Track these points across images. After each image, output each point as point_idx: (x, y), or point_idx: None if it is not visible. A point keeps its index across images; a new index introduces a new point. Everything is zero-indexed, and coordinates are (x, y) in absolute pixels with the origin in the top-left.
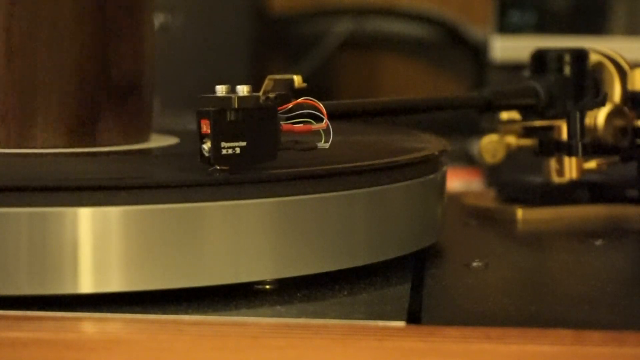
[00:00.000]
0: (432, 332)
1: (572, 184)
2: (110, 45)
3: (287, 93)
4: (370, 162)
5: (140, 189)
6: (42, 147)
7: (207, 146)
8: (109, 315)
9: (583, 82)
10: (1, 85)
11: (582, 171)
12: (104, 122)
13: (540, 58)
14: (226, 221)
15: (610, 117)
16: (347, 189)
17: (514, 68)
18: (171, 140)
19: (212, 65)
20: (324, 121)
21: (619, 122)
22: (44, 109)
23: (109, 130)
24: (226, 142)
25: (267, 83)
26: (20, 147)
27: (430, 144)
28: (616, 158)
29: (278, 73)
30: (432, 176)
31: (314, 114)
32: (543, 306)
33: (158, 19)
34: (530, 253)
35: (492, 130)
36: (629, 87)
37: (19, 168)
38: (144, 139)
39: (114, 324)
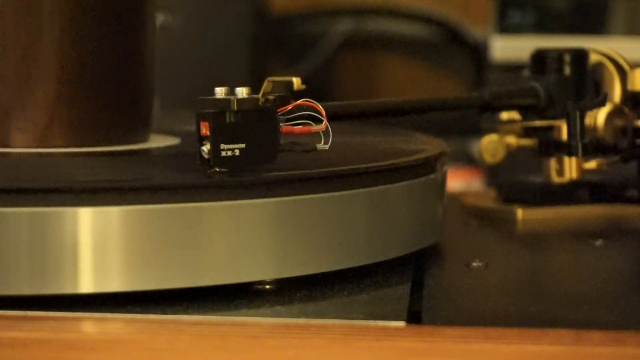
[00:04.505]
0: (432, 332)
1: (572, 184)
2: (110, 45)
3: (287, 95)
4: (370, 164)
5: (140, 189)
6: (42, 147)
7: (206, 148)
8: (109, 315)
9: (583, 82)
10: (1, 86)
11: (582, 171)
12: (103, 122)
13: (540, 58)
14: (226, 221)
15: (610, 117)
16: (347, 189)
17: (514, 68)
18: (171, 141)
19: (212, 65)
20: (324, 123)
21: (619, 122)
22: (44, 109)
23: (109, 130)
24: (225, 144)
25: (266, 85)
26: (20, 147)
27: (430, 144)
28: (616, 158)
29: (278, 73)
30: (432, 176)
31: (313, 115)
32: (543, 306)
33: (158, 19)
34: (530, 253)
35: (492, 130)
36: (629, 87)
37: (19, 168)
38: (144, 139)
39: (114, 324)
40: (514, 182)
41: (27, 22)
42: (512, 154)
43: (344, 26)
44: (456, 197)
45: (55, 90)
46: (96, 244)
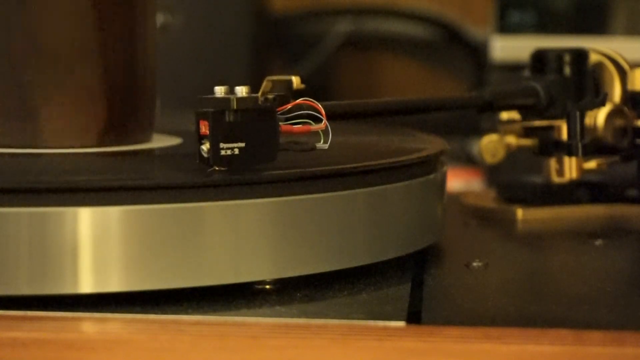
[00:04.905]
0: (432, 332)
1: (572, 184)
2: (111, 45)
3: (286, 94)
4: (370, 163)
5: (140, 189)
6: (43, 148)
7: (205, 147)
8: (109, 315)
9: (583, 82)
10: (3, 86)
11: (582, 171)
12: (105, 122)
13: (540, 58)
14: (226, 221)
15: (610, 117)
16: (347, 189)
17: (514, 68)
18: (173, 141)
19: (212, 65)
20: (323, 122)
21: (619, 122)
22: (45, 109)
23: (112, 131)
24: (225, 143)
25: (265, 84)
26: (20, 147)
27: (430, 144)
28: (616, 158)
29: (278, 73)
30: (432, 176)
31: (313, 114)
32: (543, 306)
33: (158, 19)
34: (530, 253)
35: (492, 130)
36: (629, 87)
37: (19, 168)
38: (147, 139)
39: (114, 324)
40: (514, 182)
41: (27, 27)
42: (512, 154)
43: (344, 26)
44: (456, 197)
45: (56, 91)
46: (96, 244)
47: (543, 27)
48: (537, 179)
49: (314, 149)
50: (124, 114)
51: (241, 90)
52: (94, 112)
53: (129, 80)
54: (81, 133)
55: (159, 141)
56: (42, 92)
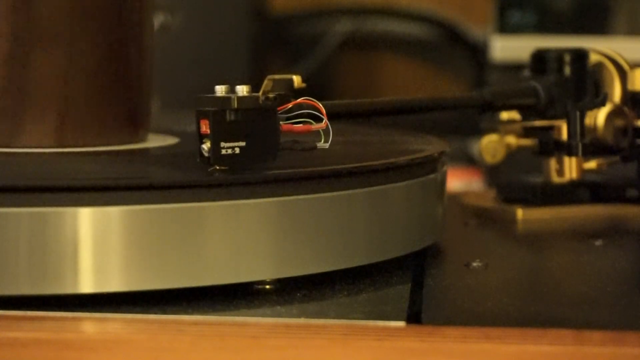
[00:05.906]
0: (432, 332)
1: (572, 184)
2: (108, 46)
3: (287, 93)
4: (370, 163)
5: (140, 189)
6: (42, 147)
7: (206, 146)
8: (109, 315)
9: (583, 82)
10: (2, 86)
11: (582, 171)
12: (102, 122)
13: (540, 58)
14: (226, 221)
15: (610, 117)
16: (347, 189)
17: (514, 68)
18: (170, 140)
19: (212, 65)
20: (324, 121)
21: (619, 122)
22: (44, 109)
23: (106, 130)
24: (226, 142)
25: (266, 83)
26: (20, 147)
27: (430, 144)
28: (616, 158)
29: (278, 73)
30: (432, 176)
31: (313, 114)
32: (543, 306)
33: (158, 19)
34: (530, 253)
35: (492, 130)
36: (629, 87)
37: (19, 168)
38: (142, 139)
39: (114, 324)
40: (514, 182)
41: (26, 23)
42: (512, 154)
43: (344, 26)
44: (456, 197)
45: (54, 91)
46: (96, 244)
47: (543, 27)
48: (537, 179)
49: (314, 148)
50: (119, 114)
51: (242, 89)
52: (90, 111)
53: (124, 80)
54: (78, 133)
55: (155, 141)
56: (40, 93)
